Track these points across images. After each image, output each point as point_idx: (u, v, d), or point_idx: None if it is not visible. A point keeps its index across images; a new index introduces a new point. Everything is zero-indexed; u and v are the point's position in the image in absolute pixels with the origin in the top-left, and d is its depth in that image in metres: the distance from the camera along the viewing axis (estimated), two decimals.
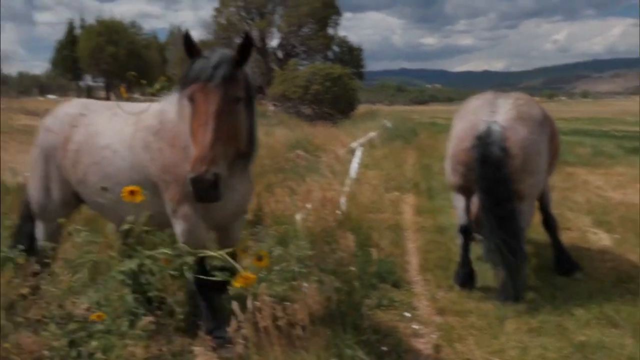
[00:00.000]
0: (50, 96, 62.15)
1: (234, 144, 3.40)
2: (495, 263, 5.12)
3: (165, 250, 3.69)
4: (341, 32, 56.11)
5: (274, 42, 46.72)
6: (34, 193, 4.55)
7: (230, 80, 3.33)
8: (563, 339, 4.32)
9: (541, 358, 4.03)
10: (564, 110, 62.74)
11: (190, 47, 3.48)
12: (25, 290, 3.50)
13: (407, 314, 4.75)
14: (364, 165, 12.04)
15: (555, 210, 6.32)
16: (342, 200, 7.23)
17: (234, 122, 3.36)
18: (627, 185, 10.81)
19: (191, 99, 3.37)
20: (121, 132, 4.14)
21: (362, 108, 40.59)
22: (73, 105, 4.66)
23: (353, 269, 4.63)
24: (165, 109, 3.99)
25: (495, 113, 5.21)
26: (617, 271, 5.88)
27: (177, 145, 3.81)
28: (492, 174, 4.97)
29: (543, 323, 4.59)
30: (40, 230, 4.56)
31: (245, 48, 3.41)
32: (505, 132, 5.01)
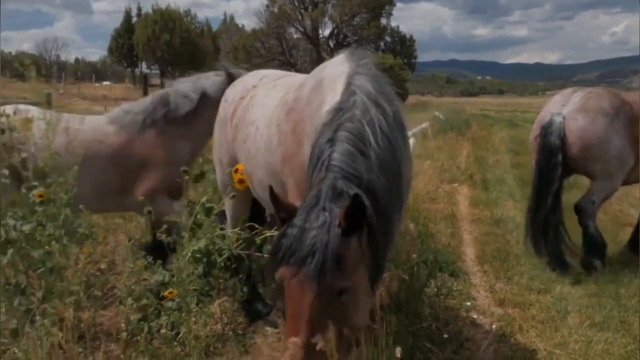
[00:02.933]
0: (105, 82, 63.76)
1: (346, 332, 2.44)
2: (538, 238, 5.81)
3: (234, 230, 3.80)
4: (393, 23, 55.67)
5: (326, 31, 46.72)
6: (215, 166, 4.60)
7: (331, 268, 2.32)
8: (628, 334, 4.25)
9: (606, 353, 3.98)
10: None
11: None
12: (103, 266, 3.65)
13: (467, 303, 4.75)
14: (417, 156, 11.96)
15: (616, 206, 6.21)
16: None
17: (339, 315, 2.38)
18: None
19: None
20: (267, 107, 3.74)
21: (411, 99, 40.28)
22: (253, 75, 4.52)
23: (415, 256, 4.65)
24: (305, 84, 3.44)
25: (565, 106, 5.79)
26: None
27: (297, 132, 3.25)
28: (546, 160, 5.69)
29: (607, 318, 4.52)
30: (226, 205, 4.39)
31: (355, 213, 2.34)
32: (566, 123, 5.62)
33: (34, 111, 4.56)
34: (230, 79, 4.76)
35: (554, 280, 5.35)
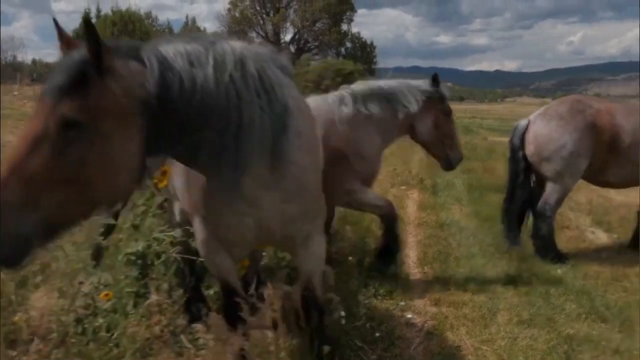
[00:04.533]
0: None
1: None
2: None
3: (172, 233, 3.88)
4: (355, 28, 55.93)
5: (287, 36, 46.88)
6: None
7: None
8: (552, 331, 4.46)
9: (530, 348, 4.18)
10: None
11: None
12: (36, 267, 3.68)
13: (402, 303, 4.91)
14: None
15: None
16: None
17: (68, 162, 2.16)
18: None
19: None
20: None
21: None
22: None
23: (351, 258, 4.79)
24: None
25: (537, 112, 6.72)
26: (611, 269, 6.01)
27: None
28: (511, 157, 6.67)
29: (534, 316, 4.73)
30: None
31: (97, 51, 2.19)
32: (529, 125, 6.50)
33: None
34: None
35: (489, 281, 5.56)
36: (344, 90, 5.51)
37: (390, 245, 5.49)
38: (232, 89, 2.45)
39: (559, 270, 5.93)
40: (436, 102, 5.53)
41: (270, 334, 2.96)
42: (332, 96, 5.50)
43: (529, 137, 6.44)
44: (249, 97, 2.49)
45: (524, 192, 6.61)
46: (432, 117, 5.51)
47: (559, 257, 6.22)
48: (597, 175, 6.45)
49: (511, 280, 5.58)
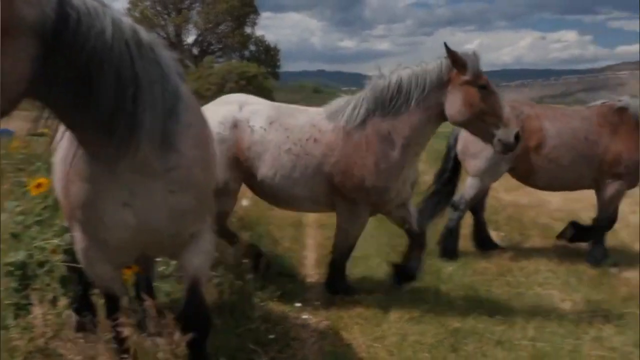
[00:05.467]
0: None
1: None
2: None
3: (54, 241, 3.72)
4: (260, 31, 56.09)
5: (190, 38, 46.06)
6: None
7: None
8: (440, 326, 4.66)
9: (418, 343, 4.35)
10: None
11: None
12: None
13: (298, 305, 4.96)
14: None
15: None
16: (244, 199, 7.36)
17: None
18: (518, 188, 11.52)
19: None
20: None
21: None
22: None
23: (246, 261, 4.80)
24: None
25: None
26: (498, 265, 6.36)
27: None
28: (445, 153, 7.01)
29: (424, 312, 4.91)
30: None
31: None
32: None
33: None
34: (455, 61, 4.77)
35: (383, 280, 5.72)
36: (365, 91, 5.04)
37: (414, 269, 5.42)
38: (127, 54, 2.43)
39: (449, 267, 6.21)
40: (460, 74, 4.72)
41: (155, 341, 2.90)
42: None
43: (461, 136, 6.64)
44: (144, 65, 2.48)
45: (445, 189, 6.88)
46: (460, 93, 4.72)
47: (453, 253, 6.50)
48: (526, 178, 6.77)
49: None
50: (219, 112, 5.05)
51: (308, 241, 7.22)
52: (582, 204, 9.27)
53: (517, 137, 4.70)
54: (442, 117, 4.85)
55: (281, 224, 7.61)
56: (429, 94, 4.77)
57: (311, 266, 6.23)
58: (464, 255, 6.65)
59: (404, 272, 5.46)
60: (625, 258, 6.69)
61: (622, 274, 6.26)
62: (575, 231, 7.01)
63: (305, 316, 4.78)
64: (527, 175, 6.65)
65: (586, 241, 6.84)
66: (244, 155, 4.98)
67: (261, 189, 5.16)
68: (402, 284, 5.44)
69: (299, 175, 4.90)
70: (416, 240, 5.41)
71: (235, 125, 4.99)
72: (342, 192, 4.92)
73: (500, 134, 4.70)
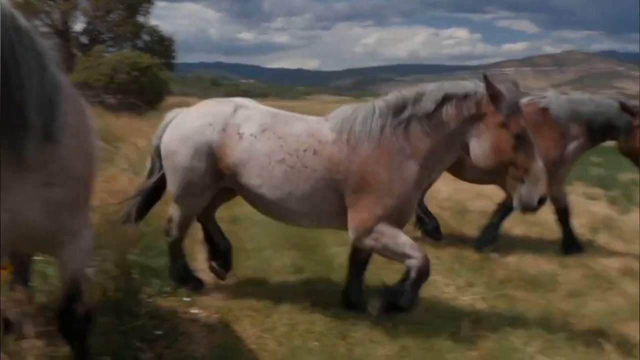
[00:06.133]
0: None
1: None
2: None
3: None
4: (155, 21, 54.33)
5: (78, 26, 43.76)
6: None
7: None
8: (330, 314, 4.75)
9: (308, 332, 4.42)
10: None
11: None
12: None
13: (187, 299, 4.88)
14: None
15: None
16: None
17: None
18: None
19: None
20: None
21: (174, 100, 39.79)
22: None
23: (132, 258, 4.66)
24: None
25: None
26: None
27: None
28: None
29: (315, 302, 4.97)
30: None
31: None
32: None
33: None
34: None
35: (276, 271, 5.75)
36: (378, 101, 4.55)
37: (403, 301, 4.52)
38: (7, 36, 2.31)
39: (341, 257, 6.31)
40: (496, 113, 4.12)
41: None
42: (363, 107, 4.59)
43: None
44: (23, 53, 2.36)
45: None
46: (490, 135, 4.16)
47: None
48: (456, 172, 6.92)
49: (298, 270, 5.83)
50: (212, 112, 4.81)
51: (200, 234, 7.09)
52: (469, 194, 9.79)
53: (542, 201, 4.16)
54: (464, 149, 4.41)
55: None
56: (455, 120, 4.27)
57: (202, 260, 6.13)
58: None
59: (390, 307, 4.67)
60: (505, 243, 7.10)
61: (501, 259, 6.65)
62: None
63: (194, 310, 4.72)
64: (457, 169, 6.69)
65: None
66: (226, 162, 4.62)
67: (250, 200, 4.82)
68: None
69: (293, 187, 4.45)
70: (413, 275, 4.57)
71: (224, 129, 4.64)
72: (354, 216, 4.42)
73: (523, 190, 4.15)
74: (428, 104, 4.28)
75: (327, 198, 4.46)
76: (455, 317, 4.87)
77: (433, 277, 5.90)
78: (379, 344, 4.33)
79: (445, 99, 4.27)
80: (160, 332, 4.10)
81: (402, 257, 4.46)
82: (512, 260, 6.56)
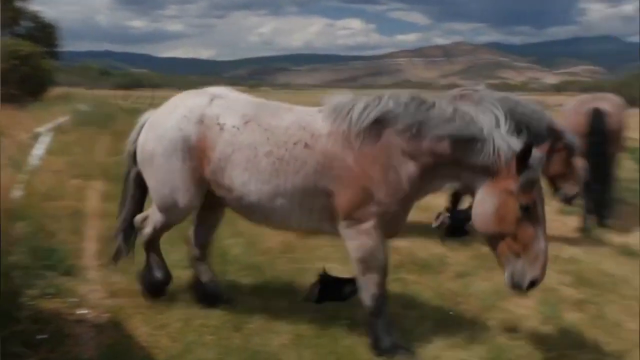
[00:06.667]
0: None
1: None
2: None
3: None
4: (38, 6, 50.78)
5: None
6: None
7: None
8: (226, 307, 4.71)
9: (202, 326, 4.36)
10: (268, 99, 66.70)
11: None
12: None
13: (74, 300, 4.67)
14: (49, 152, 11.31)
15: None
16: (16, 189, 6.74)
17: None
18: None
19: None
20: None
21: (58, 90, 37.82)
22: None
23: (13, 259, 4.39)
24: None
25: None
26: (283, 244, 6.56)
27: None
28: None
29: (231, 295, 4.94)
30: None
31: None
32: None
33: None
34: None
35: (169, 266, 5.59)
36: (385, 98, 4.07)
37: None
38: None
39: (235, 249, 6.29)
40: (511, 179, 3.74)
41: None
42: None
43: None
44: None
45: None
46: (497, 199, 3.77)
47: None
48: None
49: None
50: (185, 104, 4.44)
51: (88, 232, 6.81)
52: None
53: (534, 283, 3.77)
54: (464, 189, 4.10)
55: (58, 214, 7.07)
56: (469, 162, 3.86)
57: (90, 258, 5.89)
58: (250, 236, 6.77)
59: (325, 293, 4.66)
60: None
61: (394, 244, 6.85)
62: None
63: (82, 311, 4.51)
64: None
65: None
66: (208, 157, 4.23)
67: (233, 199, 4.30)
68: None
69: (282, 181, 4.05)
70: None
71: (201, 120, 4.26)
72: (347, 214, 4.02)
73: (518, 267, 3.76)
74: (449, 127, 3.86)
75: (318, 195, 4.06)
76: (349, 303, 4.97)
77: (330, 265, 6.02)
78: (275, 334, 4.34)
79: (473, 139, 3.83)
80: (44, 336, 3.88)
81: (367, 274, 4.12)
82: (404, 245, 6.77)
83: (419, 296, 5.23)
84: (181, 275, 5.40)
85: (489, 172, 3.80)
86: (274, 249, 6.40)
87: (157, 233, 4.77)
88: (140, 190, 4.85)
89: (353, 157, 3.94)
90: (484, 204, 3.81)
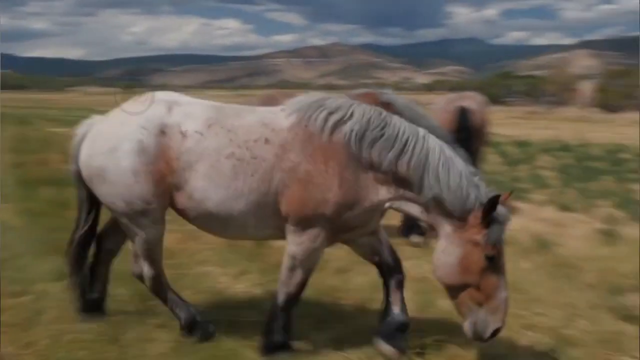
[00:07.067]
0: None
1: None
2: None
3: None
4: None
5: None
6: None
7: None
8: (101, 320, 4.48)
9: (75, 342, 4.13)
10: None
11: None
12: None
13: None
14: None
15: None
16: None
17: None
18: None
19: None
20: None
21: None
22: None
23: None
24: None
25: None
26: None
27: None
28: None
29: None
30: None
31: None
32: None
33: None
34: None
35: (35, 280, 5.26)
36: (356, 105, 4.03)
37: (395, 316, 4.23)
38: None
39: None
40: (478, 229, 3.68)
41: None
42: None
43: None
44: None
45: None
46: (461, 249, 3.72)
47: None
48: None
49: (61, 276, 5.38)
50: (143, 113, 4.03)
51: None
52: None
53: (495, 333, 3.75)
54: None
55: None
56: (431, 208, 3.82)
57: None
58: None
59: (389, 327, 4.25)
60: None
61: (275, 244, 6.86)
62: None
63: None
64: None
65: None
66: (171, 168, 3.93)
67: (191, 210, 4.02)
68: (392, 342, 4.21)
69: (240, 183, 3.88)
70: (393, 276, 4.32)
71: (162, 131, 3.95)
72: (296, 209, 3.89)
73: (480, 317, 3.73)
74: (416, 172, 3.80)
75: (272, 195, 3.91)
76: (231, 305, 4.93)
77: (207, 268, 5.98)
78: (154, 343, 4.21)
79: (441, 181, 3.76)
80: None
81: (294, 274, 4.11)
82: (284, 244, 6.79)
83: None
84: (49, 288, 5.10)
85: (451, 215, 3.75)
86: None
87: (154, 263, 4.31)
88: (95, 209, 4.42)
89: (311, 151, 3.86)
90: (447, 254, 3.76)
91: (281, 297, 4.13)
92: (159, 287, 4.38)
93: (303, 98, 4.12)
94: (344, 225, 3.95)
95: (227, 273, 5.86)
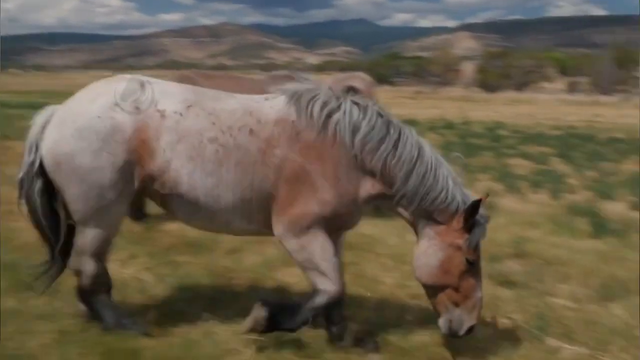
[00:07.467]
0: None
1: None
2: None
3: None
4: None
5: None
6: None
7: None
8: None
9: None
10: (17, 83, 60.71)
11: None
12: None
13: None
14: None
15: None
16: None
17: None
18: None
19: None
20: None
21: None
22: None
23: None
24: None
25: None
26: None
27: None
28: None
29: None
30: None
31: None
32: None
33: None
34: None
35: None
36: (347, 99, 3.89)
37: (289, 322, 3.85)
38: None
39: None
40: (459, 233, 3.73)
41: None
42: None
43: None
44: None
45: None
46: (442, 253, 3.74)
47: None
48: None
49: None
50: (112, 90, 3.72)
51: None
52: None
53: (470, 330, 3.84)
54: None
55: None
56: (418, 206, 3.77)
57: None
58: (4, 231, 6.11)
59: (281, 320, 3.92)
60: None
61: (163, 227, 6.71)
62: None
63: None
64: None
65: None
66: (150, 148, 3.62)
67: (173, 199, 3.75)
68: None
69: (224, 172, 3.66)
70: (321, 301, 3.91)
71: (137, 108, 3.66)
72: (287, 209, 3.71)
73: (456, 315, 3.80)
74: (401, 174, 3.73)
75: (258, 190, 3.72)
76: (119, 290, 4.76)
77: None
78: (34, 335, 4.01)
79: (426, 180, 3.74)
80: None
81: (318, 275, 3.81)
82: (174, 227, 6.66)
83: (191, 276, 5.22)
84: None
85: (434, 217, 3.77)
86: (30, 245, 5.83)
87: (100, 260, 3.96)
88: (51, 207, 3.93)
89: (299, 148, 3.69)
90: (428, 256, 3.78)
91: (320, 298, 3.85)
92: (94, 287, 4.02)
93: (294, 89, 3.93)
94: (335, 223, 3.83)
95: (115, 258, 5.62)
